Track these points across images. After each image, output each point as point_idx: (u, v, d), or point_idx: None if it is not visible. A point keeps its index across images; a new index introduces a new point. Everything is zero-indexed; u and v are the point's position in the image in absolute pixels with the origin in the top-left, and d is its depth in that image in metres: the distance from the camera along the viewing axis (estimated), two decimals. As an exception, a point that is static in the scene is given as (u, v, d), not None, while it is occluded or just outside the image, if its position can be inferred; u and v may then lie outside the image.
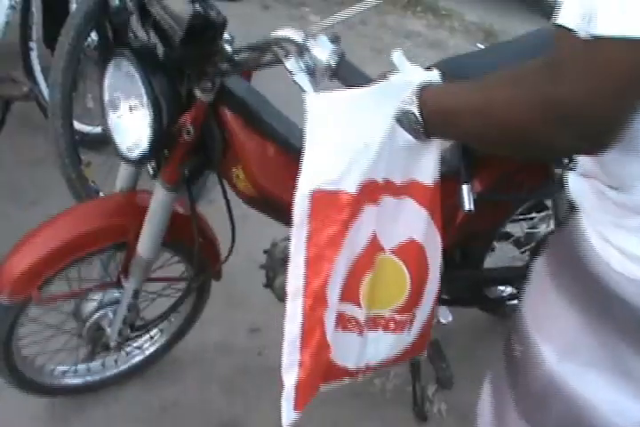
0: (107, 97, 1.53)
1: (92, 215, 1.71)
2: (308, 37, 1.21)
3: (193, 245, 1.69)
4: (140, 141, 1.46)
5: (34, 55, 2.85)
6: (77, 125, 2.57)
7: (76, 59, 2.30)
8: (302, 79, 1.21)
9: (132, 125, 1.49)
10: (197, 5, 1.25)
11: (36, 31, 2.82)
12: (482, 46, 3.93)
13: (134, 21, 2.48)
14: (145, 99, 1.40)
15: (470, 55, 1.78)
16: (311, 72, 1.22)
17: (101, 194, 2.39)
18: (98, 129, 2.75)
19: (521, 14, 4.03)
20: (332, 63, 1.21)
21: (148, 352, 2.07)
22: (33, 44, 2.84)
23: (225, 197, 1.63)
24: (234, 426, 2.02)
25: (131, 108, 1.49)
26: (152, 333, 2.05)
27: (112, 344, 1.87)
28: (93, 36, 2.50)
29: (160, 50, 1.45)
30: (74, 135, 2.35)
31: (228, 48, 1.37)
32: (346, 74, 1.23)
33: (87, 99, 2.81)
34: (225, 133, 1.50)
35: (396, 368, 2.14)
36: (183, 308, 1.99)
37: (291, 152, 1.51)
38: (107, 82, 1.52)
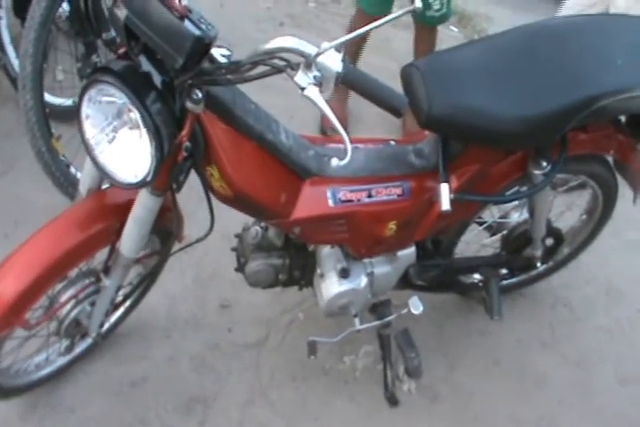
0: (89, 132, 1.38)
1: (73, 228, 1.60)
2: (319, 51, 1.19)
3: (168, 226, 1.67)
4: (139, 169, 1.34)
5: (3, 24, 2.75)
6: (47, 98, 2.51)
7: (47, 30, 2.23)
8: (313, 93, 1.19)
9: (125, 153, 1.36)
10: (190, 24, 1.18)
11: (5, 0, 2.73)
12: (455, 29, 3.96)
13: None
14: (143, 127, 1.29)
15: (452, 51, 1.78)
16: (319, 83, 1.21)
17: (72, 168, 2.35)
18: (69, 101, 2.70)
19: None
20: (341, 71, 1.21)
21: (112, 320, 2.04)
22: (2, 13, 2.76)
23: (205, 188, 1.53)
24: (203, 401, 2.02)
25: (118, 137, 1.36)
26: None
27: (93, 335, 1.84)
28: (64, 6, 2.44)
29: (148, 69, 1.30)
30: (44, 108, 2.28)
31: (220, 57, 1.32)
32: (353, 79, 1.24)
33: (57, 71, 2.75)
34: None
35: (366, 347, 2.16)
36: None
37: (265, 148, 1.50)
38: (85, 114, 1.37)
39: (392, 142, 1.77)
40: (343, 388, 2.09)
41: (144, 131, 1.28)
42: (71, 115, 2.65)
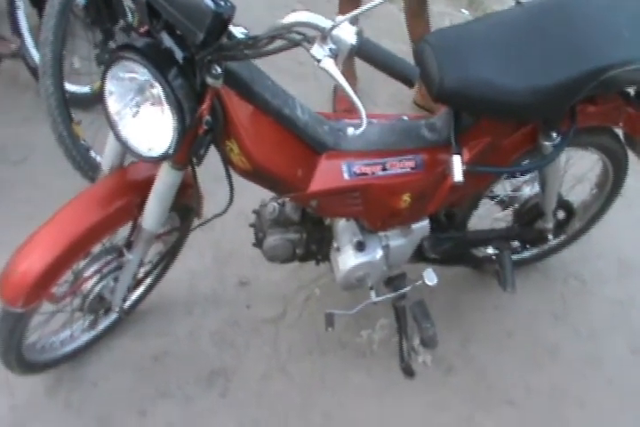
0: (113, 108, 1.43)
1: (95, 204, 1.65)
2: (334, 24, 1.23)
3: (188, 202, 1.73)
4: (161, 142, 1.39)
5: (21, 14, 2.79)
6: (65, 85, 2.57)
7: (66, 17, 2.28)
8: (329, 64, 1.23)
9: (148, 127, 1.41)
10: (209, 0, 1.22)
11: None
12: (466, 12, 3.98)
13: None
14: (165, 102, 1.33)
15: (461, 26, 1.83)
16: (334, 55, 1.25)
17: (92, 152, 2.41)
18: (86, 88, 2.76)
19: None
20: (356, 43, 1.25)
21: (134, 297, 2.11)
22: (19, 3, 2.80)
23: (224, 163, 1.58)
24: (223, 374, 2.08)
25: (140, 110, 1.41)
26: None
27: (116, 310, 1.90)
28: (82, -6, 2.49)
29: (170, 46, 1.34)
30: (64, 93, 2.33)
31: (239, 34, 1.35)
32: (367, 51, 1.28)
33: (74, 59, 2.80)
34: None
35: (382, 320, 2.21)
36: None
37: (282, 123, 1.54)
38: (109, 91, 1.42)
39: (405, 117, 1.82)
40: (360, 361, 2.14)
41: (166, 105, 1.32)
42: (89, 102, 2.74)
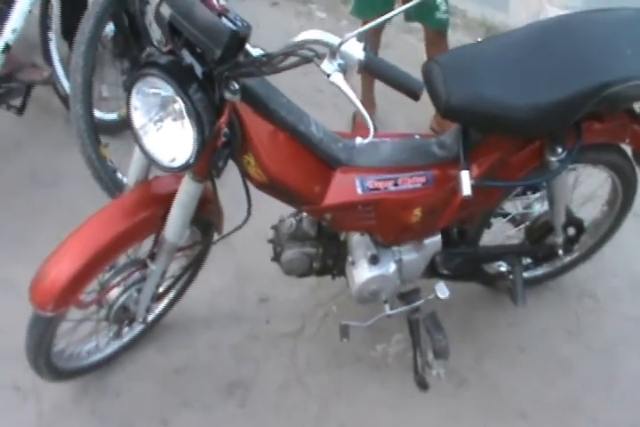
0: (137, 122, 1.53)
1: (121, 216, 1.75)
2: (342, 40, 1.32)
3: (209, 217, 1.84)
4: (182, 153, 1.48)
5: (53, 45, 2.94)
6: (95, 112, 2.70)
7: (95, 44, 2.41)
8: (339, 79, 1.32)
9: (170, 140, 1.50)
10: (227, 20, 1.32)
11: (55, 22, 2.92)
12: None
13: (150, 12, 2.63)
14: (186, 115, 1.42)
15: (469, 46, 1.91)
16: (343, 70, 1.34)
17: (119, 174, 2.52)
18: (114, 115, 2.88)
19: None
20: (363, 58, 1.34)
21: (157, 311, 2.18)
22: (52, 35, 2.93)
23: (242, 176, 1.66)
24: (242, 385, 2.14)
25: (163, 124, 1.50)
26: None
27: (140, 320, 1.99)
28: (110, 27, 2.62)
29: (190, 63, 1.43)
30: (93, 116, 2.46)
31: (254, 51, 1.44)
32: (374, 66, 1.37)
33: (103, 87, 2.92)
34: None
35: (397, 335, 2.26)
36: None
37: (298, 138, 1.63)
38: (134, 106, 1.52)
39: (417, 136, 1.90)
40: (375, 373, 2.19)
41: (186, 117, 1.41)
42: (117, 128, 2.86)
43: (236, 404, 2.09)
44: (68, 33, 2.85)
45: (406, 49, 3.35)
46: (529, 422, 2.09)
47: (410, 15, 2.81)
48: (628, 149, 2.08)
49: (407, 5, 1.39)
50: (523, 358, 2.26)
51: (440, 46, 2.84)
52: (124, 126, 2.87)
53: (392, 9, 2.72)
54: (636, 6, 1.87)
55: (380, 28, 2.89)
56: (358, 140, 1.37)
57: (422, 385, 2.14)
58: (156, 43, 2.57)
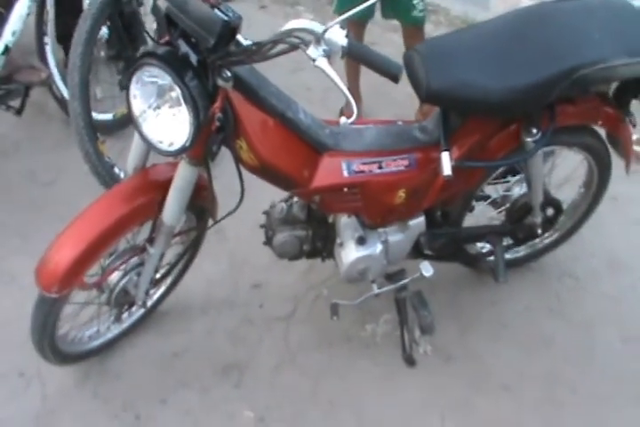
0: (137, 110, 1.62)
1: (120, 201, 1.83)
2: (326, 28, 1.42)
3: (203, 204, 1.92)
4: (179, 137, 1.57)
5: (48, 49, 3.01)
6: (91, 113, 2.79)
7: (92, 45, 2.51)
8: (324, 63, 1.43)
9: (168, 125, 1.59)
10: (219, 12, 1.41)
11: (50, 27, 2.98)
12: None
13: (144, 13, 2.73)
14: (182, 101, 1.51)
15: (447, 35, 2.02)
16: (327, 55, 1.44)
17: (116, 169, 2.62)
18: (109, 115, 2.98)
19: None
20: (346, 44, 1.44)
21: (155, 297, 2.27)
22: (47, 39, 3.00)
23: (235, 161, 1.73)
24: (237, 367, 2.23)
25: (160, 111, 1.58)
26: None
27: (139, 303, 2.08)
28: (104, 29, 2.72)
29: (186, 52, 1.52)
30: (91, 114, 2.55)
31: (244, 41, 1.54)
32: (356, 51, 1.47)
33: (97, 89, 3.01)
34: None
35: (386, 315, 2.36)
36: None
37: (287, 125, 1.72)
38: (134, 94, 1.61)
39: (399, 122, 2.01)
40: (365, 352, 2.28)
41: (183, 102, 1.51)
42: (113, 127, 2.97)
43: (232, 384, 2.18)
44: (63, 37, 2.95)
45: (392, 47, 3.45)
46: (512, 394, 2.17)
47: (387, 12, 2.94)
48: (602, 132, 2.18)
49: (359, 8, 1.45)
50: (506, 334, 2.36)
51: (418, 40, 2.97)
52: (118, 126, 3.01)
53: (373, 9, 2.86)
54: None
55: (363, 27, 3.01)
56: (343, 119, 1.47)
57: (410, 362, 2.24)
58: (149, 41, 2.68)
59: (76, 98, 2.50)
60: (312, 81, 3.26)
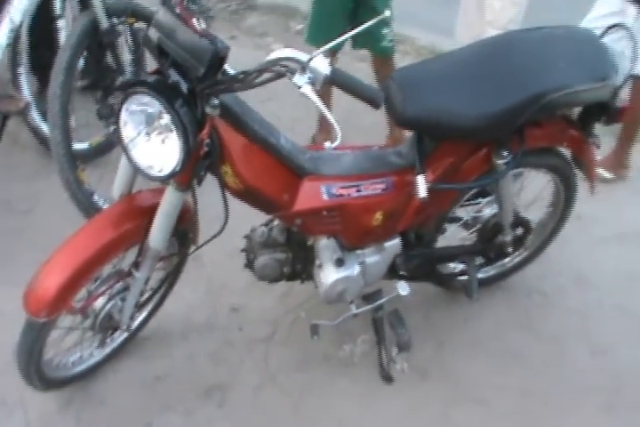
0: (126, 137, 1.68)
1: (108, 227, 1.88)
2: (311, 57, 1.52)
3: (187, 229, 1.99)
4: (169, 163, 1.63)
5: (23, 79, 3.04)
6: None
7: (72, 74, 2.57)
8: (308, 90, 1.52)
9: (157, 151, 1.65)
10: (209, 41, 1.49)
11: (24, 58, 3.01)
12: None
13: (122, 43, 2.80)
14: (173, 127, 1.58)
15: (421, 64, 2.13)
16: (312, 83, 1.53)
17: (95, 196, 2.66)
18: (85, 144, 3.02)
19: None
20: (329, 72, 1.54)
21: (136, 323, 2.29)
22: (21, 70, 3.03)
23: (221, 186, 1.78)
24: (219, 388, 2.26)
25: (150, 137, 1.65)
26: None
27: (124, 328, 2.11)
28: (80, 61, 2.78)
29: (176, 80, 1.59)
30: (71, 142, 2.60)
31: (230, 70, 1.63)
32: (339, 78, 1.57)
33: (71, 118, 3.07)
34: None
35: (363, 336, 2.42)
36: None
37: (269, 150, 1.81)
38: (124, 121, 1.67)
39: (375, 147, 2.11)
40: (344, 370, 2.34)
41: (174, 128, 1.58)
42: (89, 156, 2.99)
43: (215, 405, 2.21)
44: (37, 68, 3.02)
45: (360, 76, 3.57)
46: (488, 408, 2.25)
47: (357, 43, 3.06)
48: (567, 154, 2.30)
49: (356, 30, 1.60)
50: (478, 350, 2.44)
51: (387, 71, 3.07)
52: (94, 155, 3.05)
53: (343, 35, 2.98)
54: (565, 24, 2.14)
55: (333, 56, 3.12)
56: (327, 144, 1.56)
57: (388, 379, 2.30)
58: (127, 72, 2.75)
59: (56, 126, 2.55)
60: (281, 111, 3.36)
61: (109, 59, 2.78)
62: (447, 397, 2.28)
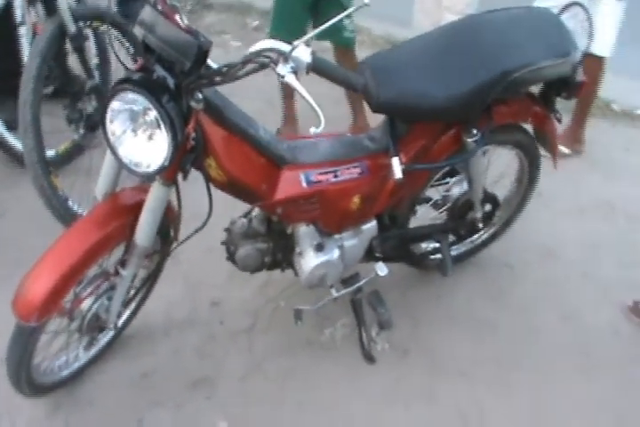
0: (112, 135, 1.68)
1: (94, 227, 1.88)
2: (293, 47, 1.57)
3: (170, 225, 2.01)
4: (157, 158, 1.64)
5: None
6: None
7: (42, 82, 2.56)
8: (291, 79, 1.57)
9: (144, 148, 1.66)
10: (191, 36, 1.52)
11: None
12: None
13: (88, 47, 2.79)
14: (161, 123, 1.59)
15: (392, 49, 2.22)
16: (295, 72, 1.58)
17: (69, 202, 2.67)
18: (52, 152, 2.98)
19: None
20: (311, 61, 1.59)
21: (120, 322, 2.29)
22: None
23: (205, 179, 1.82)
24: (206, 381, 2.29)
25: (136, 134, 1.66)
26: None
27: (111, 326, 2.12)
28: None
29: (162, 76, 1.61)
30: (44, 148, 2.59)
31: (213, 64, 1.67)
32: (320, 66, 1.63)
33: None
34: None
35: (342, 319, 2.50)
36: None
37: (249, 141, 1.85)
38: (109, 119, 1.67)
39: (348, 134, 2.18)
40: (326, 354, 2.40)
41: (162, 123, 1.59)
42: (57, 163, 2.96)
43: (204, 397, 2.24)
44: None
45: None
46: (468, 379, 2.34)
47: (319, 34, 3.12)
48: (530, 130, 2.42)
49: (332, 21, 1.64)
50: (454, 324, 2.54)
51: (350, 61, 3.17)
52: (62, 162, 3.04)
53: (305, 30, 3.05)
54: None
55: None
56: (312, 129, 1.61)
57: (370, 359, 2.37)
58: (96, 76, 2.75)
59: (28, 133, 2.54)
60: (244, 105, 3.39)
61: (74, 64, 2.78)
62: (428, 371, 2.36)
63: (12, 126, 3.05)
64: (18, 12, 2.80)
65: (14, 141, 3.01)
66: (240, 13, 4.96)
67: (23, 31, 2.83)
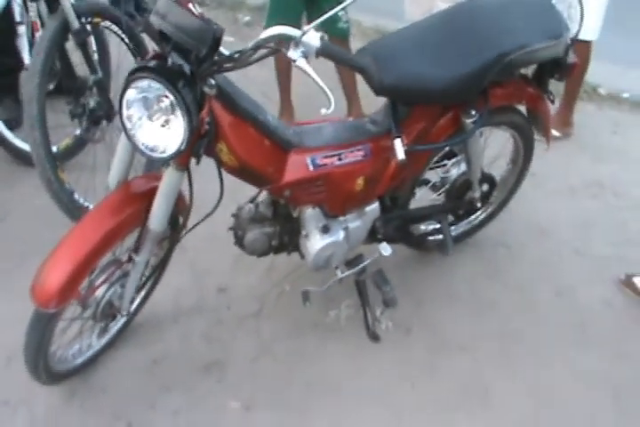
0: (129, 122, 1.73)
1: (109, 214, 1.92)
2: (303, 32, 1.63)
3: (178, 212, 2.05)
4: (173, 143, 1.69)
5: None
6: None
7: (47, 77, 2.59)
8: (302, 63, 1.63)
9: (160, 133, 1.71)
10: (205, 23, 1.58)
11: None
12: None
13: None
14: (177, 108, 1.64)
15: (391, 35, 2.26)
16: (305, 56, 1.64)
17: (76, 195, 2.70)
18: (53, 148, 2.97)
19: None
20: (320, 45, 1.65)
21: (131, 309, 2.32)
22: None
23: (217, 164, 1.88)
24: (217, 364, 2.35)
25: (155, 122, 1.70)
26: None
27: (124, 313, 2.17)
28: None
29: (178, 63, 1.65)
30: (50, 143, 2.63)
31: (225, 51, 1.72)
32: (329, 51, 1.69)
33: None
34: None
35: (347, 301, 2.56)
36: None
37: (258, 127, 1.91)
38: (126, 106, 1.71)
39: (350, 119, 2.24)
40: (332, 335, 2.46)
41: (178, 109, 1.64)
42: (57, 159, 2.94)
43: (215, 380, 2.29)
44: None
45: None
46: (469, 354, 2.42)
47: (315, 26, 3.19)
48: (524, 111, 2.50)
49: (334, 10, 1.68)
50: (454, 302, 2.62)
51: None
52: (63, 158, 3.06)
53: (300, 21, 3.12)
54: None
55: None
56: (323, 111, 1.67)
57: (375, 338, 2.44)
58: (98, 70, 2.78)
59: (35, 128, 2.57)
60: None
61: (75, 60, 2.81)
62: (431, 348, 2.44)
63: (11, 124, 3.10)
64: (17, 11, 2.83)
65: (14, 139, 3.05)
66: (231, 9, 5.08)
67: (22, 30, 2.87)
